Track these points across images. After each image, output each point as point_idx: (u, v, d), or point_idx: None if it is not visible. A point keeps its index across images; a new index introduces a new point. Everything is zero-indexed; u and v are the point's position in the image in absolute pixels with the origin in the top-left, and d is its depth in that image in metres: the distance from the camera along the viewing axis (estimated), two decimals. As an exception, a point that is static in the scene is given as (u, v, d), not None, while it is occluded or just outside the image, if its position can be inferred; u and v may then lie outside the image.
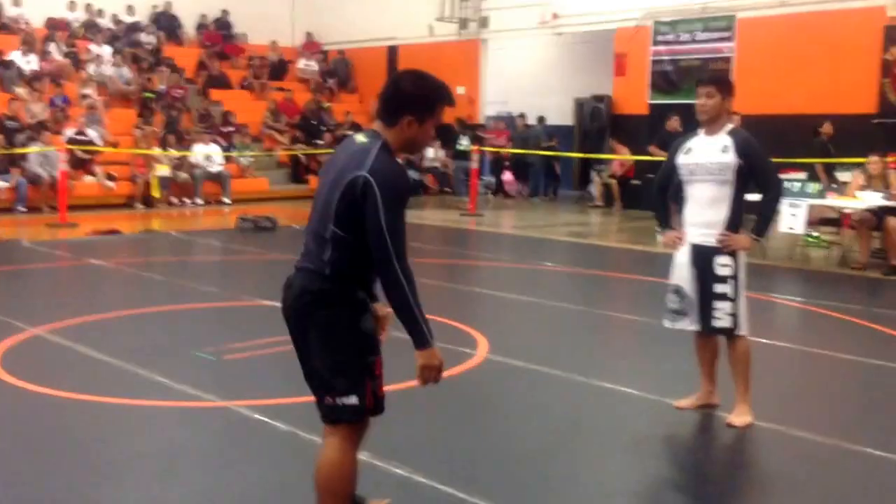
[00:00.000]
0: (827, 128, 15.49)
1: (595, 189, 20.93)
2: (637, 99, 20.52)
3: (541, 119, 22.73)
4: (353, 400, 3.69)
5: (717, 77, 6.11)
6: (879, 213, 11.81)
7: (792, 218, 12.11)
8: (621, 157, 19.93)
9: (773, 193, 5.83)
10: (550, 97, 23.38)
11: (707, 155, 5.73)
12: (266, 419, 5.64)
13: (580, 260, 13.38)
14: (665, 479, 5.13)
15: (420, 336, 3.66)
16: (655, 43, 20.14)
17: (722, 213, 5.72)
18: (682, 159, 5.85)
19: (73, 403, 6.02)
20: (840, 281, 11.52)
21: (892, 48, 16.91)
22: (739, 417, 5.78)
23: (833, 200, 12.43)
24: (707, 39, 19.28)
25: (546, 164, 22.40)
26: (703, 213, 5.77)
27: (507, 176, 23.17)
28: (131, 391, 6.25)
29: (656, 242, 14.62)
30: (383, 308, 3.88)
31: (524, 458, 5.22)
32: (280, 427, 5.51)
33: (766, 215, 5.83)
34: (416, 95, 3.72)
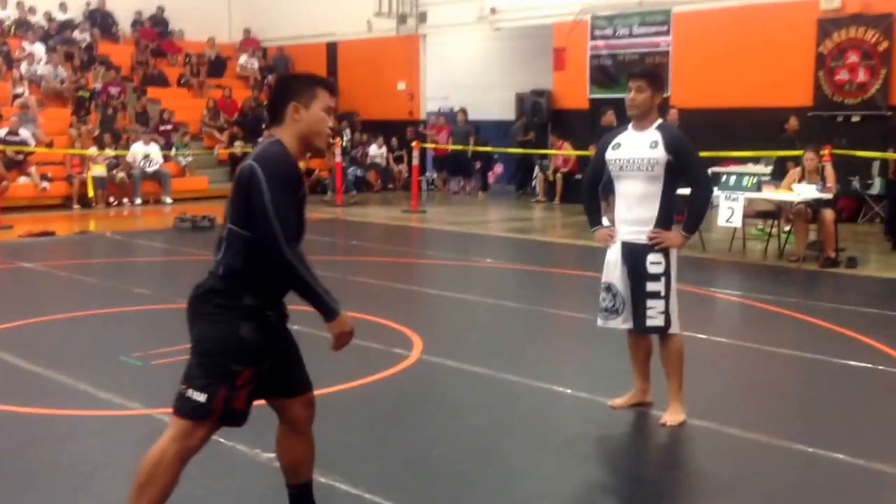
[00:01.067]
0: (793, 123, 15.55)
1: (538, 184, 20.93)
2: (577, 93, 20.56)
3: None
4: (200, 398, 3.60)
5: (647, 71, 6.03)
6: (815, 206, 11.90)
7: (729, 211, 12.15)
8: (560, 151, 19.95)
9: (703, 189, 5.78)
10: (491, 92, 23.37)
11: (636, 150, 5.66)
12: (192, 427, 5.50)
13: (521, 256, 13.34)
14: (596, 481, 5.07)
15: (326, 308, 3.63)
16: (593, 37, 20.21)
17: (652, 209, 5.66)
18: (610, 154, 5.78)
19: (-8, 414, 5.85)
20: (777, 274, 11.58)
21: (825, 41, 17.07)
22: (673, 416, 5.75)
23: (769, 193, 12.50)
24: (644, 34, 19.38)
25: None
26: (634, 209, 5.70)
27: (498, 168, 23.31)
28: (53, 400, 6.10)
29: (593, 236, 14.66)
30: (341, 324, 3.73)
31: (453, 462, 5.14)
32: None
33: (695, 211, 5.79)
34: (294, 81, 3.83)
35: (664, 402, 5.85)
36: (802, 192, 11.99)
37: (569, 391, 6.41)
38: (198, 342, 3.67)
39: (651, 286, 5.67)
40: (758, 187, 12.28)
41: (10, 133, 18.42)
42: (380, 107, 24.23)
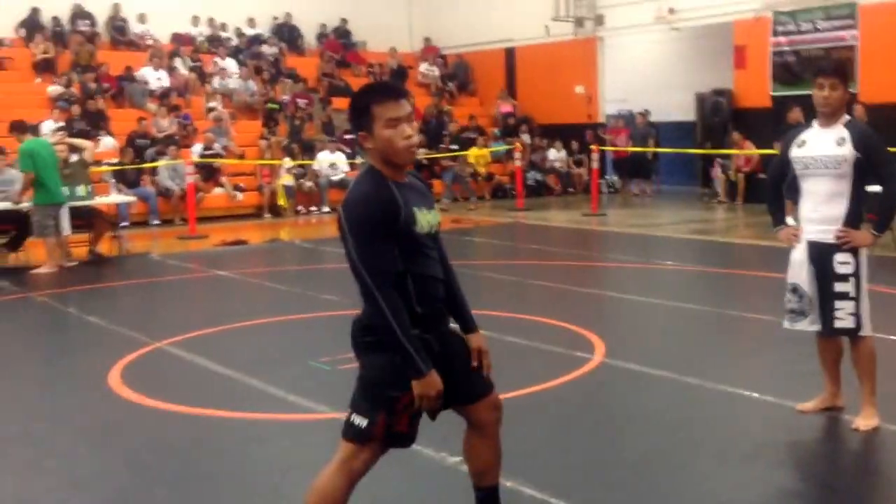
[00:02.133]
0: None
1: (719, 185, 20.53)
2: (759, 91, 20.06)
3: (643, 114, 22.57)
4: (362, 422, 3.67)
5: (838, 67, 5.82)
6: None
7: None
8: (743, 151, 19.51)
9: (893, 187, 5.56)
10: (670, 93, 23.03)
11: (822, 148, 5.52)
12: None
13: (703, 258, 13.13)
14: (786, 488, 4.95)
15: (413, 364, 3.57)
16: (775, 34, 19.66)
17: (840, 208, 5.51)
18: (795, 153, 5.65)
19: (185, 417, 6.15)
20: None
21: None
22: (865, 420, 5.57)
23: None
24: (829, 28, 18.73)
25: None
26: (820, 208, 5.56)
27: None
28: (246, 403, 6.37)
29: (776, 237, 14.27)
30: (477, 339, 3.87)
31: (638, 467, 5.13)
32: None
33: (886, 209, 5.60)
34: (352, 109, 3.72)
35: (856, 406, 5.68)
36: None
37: (755, 395, 6.28)
38: (361, 370, 3.76)
39: (839, 287, 5.51)
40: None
41: (205, 148, 19.32)
42: (558, 111, 24.24)
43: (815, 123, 5.68)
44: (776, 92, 19.65)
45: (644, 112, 22.52)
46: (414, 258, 3.66)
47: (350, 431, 3.72)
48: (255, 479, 5.10)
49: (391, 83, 4.03)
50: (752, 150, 19.22)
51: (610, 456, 5.30)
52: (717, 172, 20.57)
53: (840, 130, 5.51)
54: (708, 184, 21.62)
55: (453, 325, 3.96)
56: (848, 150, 5.44)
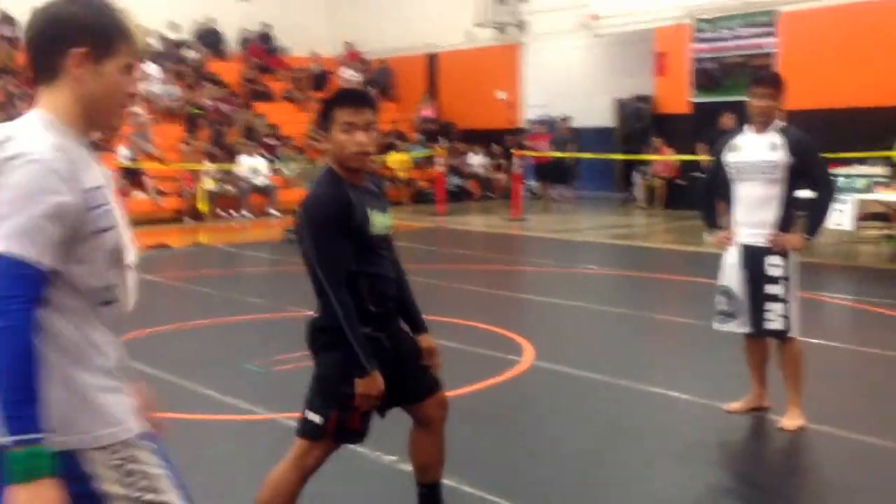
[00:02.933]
0: None
1: (639, 190, 20.85)
2: (679, 98, 20.44)
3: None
4: (315, 418, 3.75)
5: (773, 78, 5.91)
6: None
7: (839, 214, 11.97)
8: (663, 157, 19.83)
9: (826, 192, 5.73)
10: (592, 99, 23.31)
11: (756, 153, 5.63)
12: (316, 432, 5.66)
13: (624, 262, 13.33)
14: (718, 487, 5.09)
15: (357, 362, 3.64)
16: (696, 41, 20.06)
17: (772, 212, 5.63)
18: (729, 157, 5.77)
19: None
20: (893, 276, 11.38)
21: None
22: (791, 421, 5.72)
23: (882, 195, 12.27)
24: (749, 35, 19.16)
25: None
26: (753, 212, 5.68)
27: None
28: (182, 406, 6.29)
29: (702, 242, 14.56)
30: (427, 340, 3.97)
31: (574, 467, 5.21)
32: (330, 439, 5.53)
33: (818, 214, 5.73)
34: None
35: (781, 406, 5.83)
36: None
37: (685, 396, 6.42)
38: (315, 368, 3.84)
39: (770, 289, 5.64)
40: (869, 189, 12.08)
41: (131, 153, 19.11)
42: (480, 116, 24.39)
43: (747, 128, 5.80)
44: (696, 98, 20.03)
45: (565, 118, 22.75)
46: (368, 258, 3.73)
47: (304, 429, 3.79)
48: (199, 479, 5.02)
49: (358, 91, 4.12)
50: (671, 156, 19.54)
51: (547, 456, 5.36)
52: (637, 178, 20.90)
53: (773, 136, 5.63)
54: (628, 189, 21.94)
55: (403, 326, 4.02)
56: (781, 156, 5.56)
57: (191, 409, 6.22)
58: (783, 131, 5.66)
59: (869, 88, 17.05)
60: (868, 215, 13.10)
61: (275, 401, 6.33)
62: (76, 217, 2.21)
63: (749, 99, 5.72)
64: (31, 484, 2.05)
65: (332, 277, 3.61)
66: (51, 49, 2.29)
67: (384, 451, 5.18)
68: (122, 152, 18.95)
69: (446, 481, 4.64)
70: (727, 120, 16.68)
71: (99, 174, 2.35)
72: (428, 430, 4.06)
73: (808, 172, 5.65)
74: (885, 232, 13.04)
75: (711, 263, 6.47)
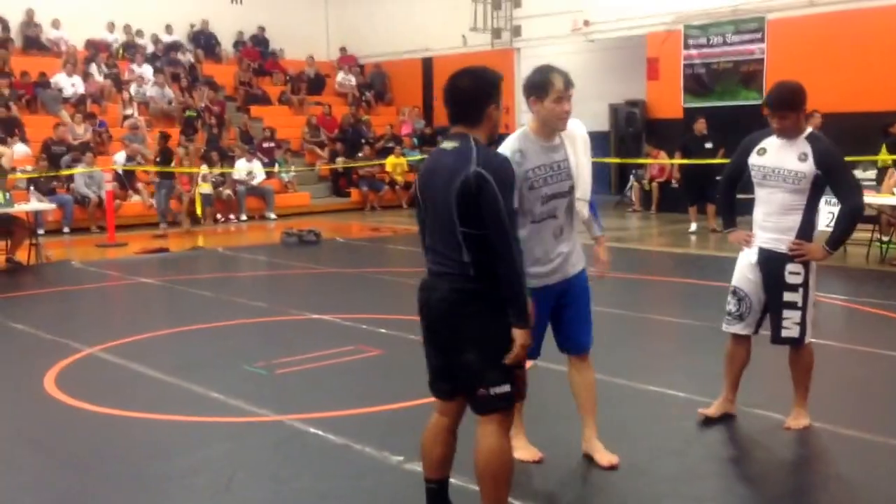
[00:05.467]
0: None
1: (633, 194, 21.01)
2: (671, 103, 20.57)
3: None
4: (506, 388, 3.94)
5: (786, 99, 5.51)
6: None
7: (829, 216, 12.09)
8: (657, 161, 19.98)
9: (852, 204, 5.52)
10: (585, 103, 23.28)
11: (783, 160, 5.48)
12: (320, 432, 5.76)
13: (620, 265, 13.41)
14: (719, 481, 5.17)
15: (522, 313, 3.88)
16: (687, 46, 20.20)
17: (795, 219, 5.51)
18: (755, 160, 5.61)
19: (127, 421, 6.19)
20: (881, 278, 11.53)
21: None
22: (797, 420, 5.75)
23: (870, 198, 12.41)
24: (738, 42, 19.32)
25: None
26: (775, 218, 5.56)
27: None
28: (185, 407, 6.42)
29: (690, 244, 14.71)
30: (525, 336, 4.00)
31: (576, 463, 5.30)
32: (334, 440, 5.63)
33: (843, 227, 5.57)
34: (491, 84, 4.14)
35: (779, 404, 5.93)
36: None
37: (682, 394, 6.53)
38: (476, 341, 3.94)
39: (788, 296, 5.57)
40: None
41: (129, 157, 19.17)
42: (475, 120, 24.42)
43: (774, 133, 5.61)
44: (687, 104, 20.16)
45: (559, 122, 22.76)
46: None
47: (498, 403, 3.98)
48: (202, 480, 5.16)
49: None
50: (665, 160, 19.69)
51: (549, 453, 5.41)
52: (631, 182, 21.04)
53: (802, 145, 5.47)
54: (622, 192, 22.08)
55: None
56: (809, 167, 5.41)
57: (193, 412, 6.33)
58: (812, 140, 5.49)
59: (857, 94, 17.21)
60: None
61: (277, 403, 6.43)
62: None
63: (768, 118, 5.57)
64: None
65: (514, 231, 3.86)
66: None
67: (391, 452, 5.30)
68: (120, 158, 19.07)
69: (452, 479, 4.77)
70: (700, 125, 16.82)
71: None
72: (454, 424, 4.23)
73: (834, 185, 5.52)
74: (874, 234, 13.17)
75: (704, 266, 6.57)
